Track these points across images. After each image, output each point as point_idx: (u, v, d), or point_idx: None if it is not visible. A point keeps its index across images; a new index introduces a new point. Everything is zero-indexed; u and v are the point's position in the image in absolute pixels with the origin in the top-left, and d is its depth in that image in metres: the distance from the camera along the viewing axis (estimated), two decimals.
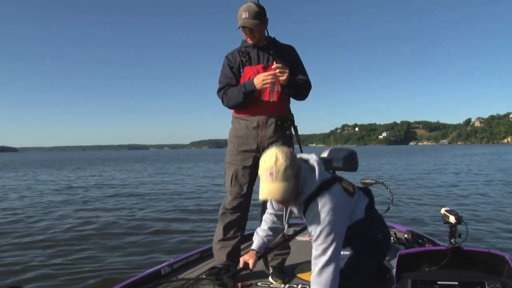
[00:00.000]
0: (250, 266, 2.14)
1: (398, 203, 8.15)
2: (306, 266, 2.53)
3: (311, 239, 1.95)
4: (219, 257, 2.59)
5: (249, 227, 2.76)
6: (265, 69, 2.45)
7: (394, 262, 2.11)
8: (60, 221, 7.31)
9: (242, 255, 2.28)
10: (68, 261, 4.69)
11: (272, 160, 1.75)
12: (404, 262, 2.05)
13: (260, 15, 2.40)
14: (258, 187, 2.55)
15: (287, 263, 2.62)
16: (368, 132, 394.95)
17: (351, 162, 2.95)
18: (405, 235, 3.30)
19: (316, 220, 1.81)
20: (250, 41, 2.49)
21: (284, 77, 2.37)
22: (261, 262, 2.37)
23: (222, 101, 2.54)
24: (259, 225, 2.28)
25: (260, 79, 2.35)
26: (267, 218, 2.22)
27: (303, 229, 2.81)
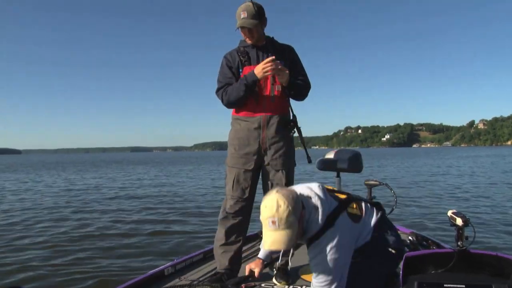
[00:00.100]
0: (256, 274, 2.13)
1: (402, 205, 8.11)
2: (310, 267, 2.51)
3: None
4: (221, 262, 2.54)
5: (250, 227, 2.71)
6: None
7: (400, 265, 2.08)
8: (60, 222, 7.31)
9: (243, 257, 2.26)
10: (67, 262, 4.70)
11: (273, 207, 1.66)
12: (410, 264, 2.01)
13: (258, 15, 2.37)
14: (260, 189, 2.53)
15: (291, 264, 2.59)
16: (371, 134, 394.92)
17: (356, 164, 2.95)
18: (409, 237, 3.27)
19: (318, 259, 1.79)
20: (249, 41, 2.47)
21: (285, 78, 2.35)
22: None
23: (222, 100, 2.50)
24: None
25: (260, 68, 2.32)
26: None
27: None
